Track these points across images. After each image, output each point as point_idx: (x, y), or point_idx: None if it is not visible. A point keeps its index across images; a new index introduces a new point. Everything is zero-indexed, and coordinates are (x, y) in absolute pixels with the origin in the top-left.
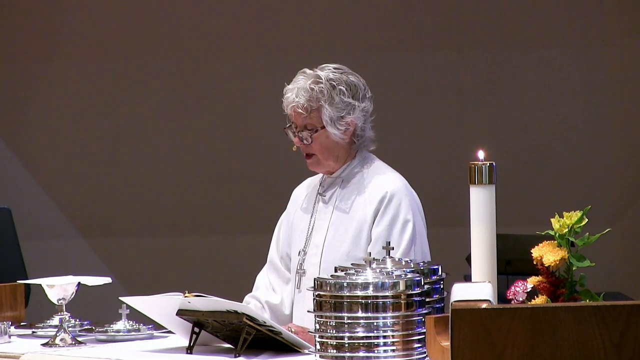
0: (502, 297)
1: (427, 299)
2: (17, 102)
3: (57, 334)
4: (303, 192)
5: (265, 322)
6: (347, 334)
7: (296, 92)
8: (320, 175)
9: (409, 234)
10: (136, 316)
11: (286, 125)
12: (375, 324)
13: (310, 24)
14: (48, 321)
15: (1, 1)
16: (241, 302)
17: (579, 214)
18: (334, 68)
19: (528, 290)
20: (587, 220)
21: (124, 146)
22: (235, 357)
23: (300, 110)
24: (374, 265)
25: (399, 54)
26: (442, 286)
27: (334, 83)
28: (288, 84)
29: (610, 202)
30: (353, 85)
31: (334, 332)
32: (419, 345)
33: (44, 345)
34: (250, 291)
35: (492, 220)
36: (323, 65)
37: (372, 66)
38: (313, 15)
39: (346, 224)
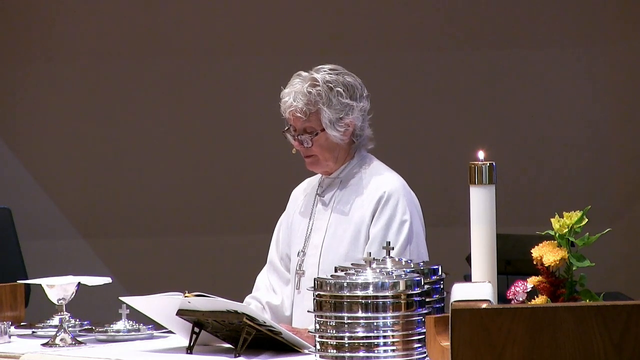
0: (502, 297)
1: (427, 299)
2: (17, 102)
3: (57, 334)
4: (302, 192)
5: (265, 322)
6: (347, 334)
7: (294, 96)
8: (319, 175)
9: (405, 234)
10: (136, 316)
11: (284, 128)
12: (375, 324)
13: (310, 24)
14: (48, 321)
15: (1, 1)
16: (241, 302)
17: (579, 214)
18: (330, 69)
19: (528, 290)
20: (587, 220)
21: (124, 146)
22: (235, 357)
23: (299, 114)
24: (374, 265)
25: (399, 54)
26: (442, 286)
27: (331, 85)
28: (284, 87)
29: (610, 202)
30: (350, 85)
31: (334, 332)
32: (419, 345)
33: (44, 345)
34: (250, 291)
35: (492, 220)
36: (318, 67)
37: (372, 66)
38: (313, 16)
39: (345, 226)
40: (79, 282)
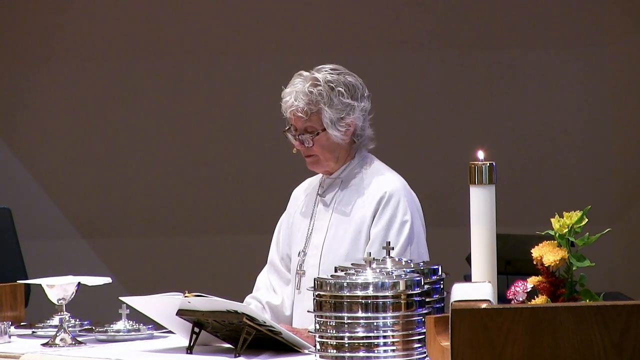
0: (502, 297)
1: (427, 299)
2: (17, 102)
3: (57, 334)
4: (303, 192)
5: (265, 322)
6: (347, 334)
7: (295, 95)
8: (320, 175)
9: (406, 235)
10: (136, 316)
11: (285, 128)
12: (375, 324)
13: (311, 24)
14: (48, 321)
15: (1, 1)
16: (241, 302)
17: (579, 214)
18: (331, 69)
19: (528, 290)
20: (587, 220)
21: (124, 146)
22: (235, 357)
23: (300, 114)
24: (374, 265)
25: (399, 54)
26: (442, 286)
27: (332, 85)
28: (285, 87)
29: (610, 202)
30: (351, 85)
31: (334, 332)
32: (419, 345)
33: (44, 345)
34: (251, 291)
35: (492, 220)
36: (319, 67)
37: (372, 66)
38: (313, 16)
39: (345, 226)
40: (79, 282)
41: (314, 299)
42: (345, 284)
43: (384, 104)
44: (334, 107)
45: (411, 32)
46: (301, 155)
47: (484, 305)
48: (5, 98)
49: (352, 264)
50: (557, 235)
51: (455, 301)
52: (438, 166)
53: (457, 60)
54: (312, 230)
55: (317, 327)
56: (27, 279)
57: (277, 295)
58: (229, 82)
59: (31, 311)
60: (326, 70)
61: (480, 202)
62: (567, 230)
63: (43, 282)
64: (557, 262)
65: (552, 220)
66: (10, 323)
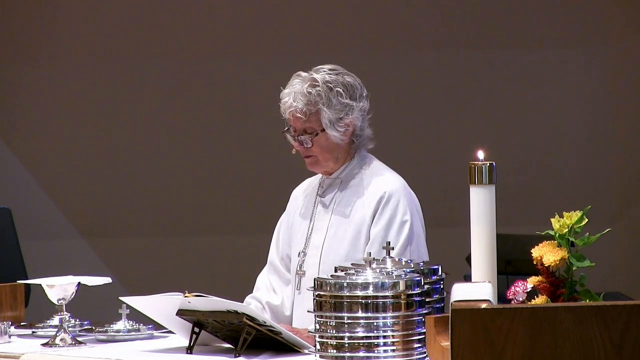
0: (502, 297)
1: (427, 299)
2: (17, 102)
3: (57, 334)
4: (302, 193)
5: (265, 322)
6: (347, 334)
7: (293, 96)
8: (319, 175)
9: (406, 235)
10: (136, 316)
11: (284, 129)
12: (375, 324)
13: (311, 25)
14: (48, 321)
15: (1, 1)
16: (241, 302)
17: (579, 214)
18: (329, 69)
19: (528, 290)
20: (587, 220)
21: (124, 146)
22: (235, 357)
23: (299, 115)
24: (374, 265)
25: (399, 54)
26: (442, 286)
27: (330, 85)
28: (284, 87)
29: (610, 202)
30: (349, 85)
31: (334, 332)
32: (419, 345)
33: (44, 345)
34: (251, 292)
35: (492, 220)
36: (318, 67)
37: (372, 66)
38: (313, 16)
39: (345, 226)
40: (79, 282)
41: (314, 299)
42: (345, 284)
43: (383, 104)
44: (333, 107)
45: (411, 32)
46: (300, 156)
47: (484, 305)
48: (5, 98)
49: (352, 264)
50: (557, 235)
51: (455, 301)
52: (438, 166)
53: (457, 60)
54: (311, 230)
55: (317, 327)
56: (27, 279)
57: (277, 296)
58: (228, 83)
59: (31, 311)
60: (324, 71)
61: (480, 202)
62: (567, 230)
63: (43, 282)
64: (557, 262)
65: (552, 220)
66: (10, 323)
